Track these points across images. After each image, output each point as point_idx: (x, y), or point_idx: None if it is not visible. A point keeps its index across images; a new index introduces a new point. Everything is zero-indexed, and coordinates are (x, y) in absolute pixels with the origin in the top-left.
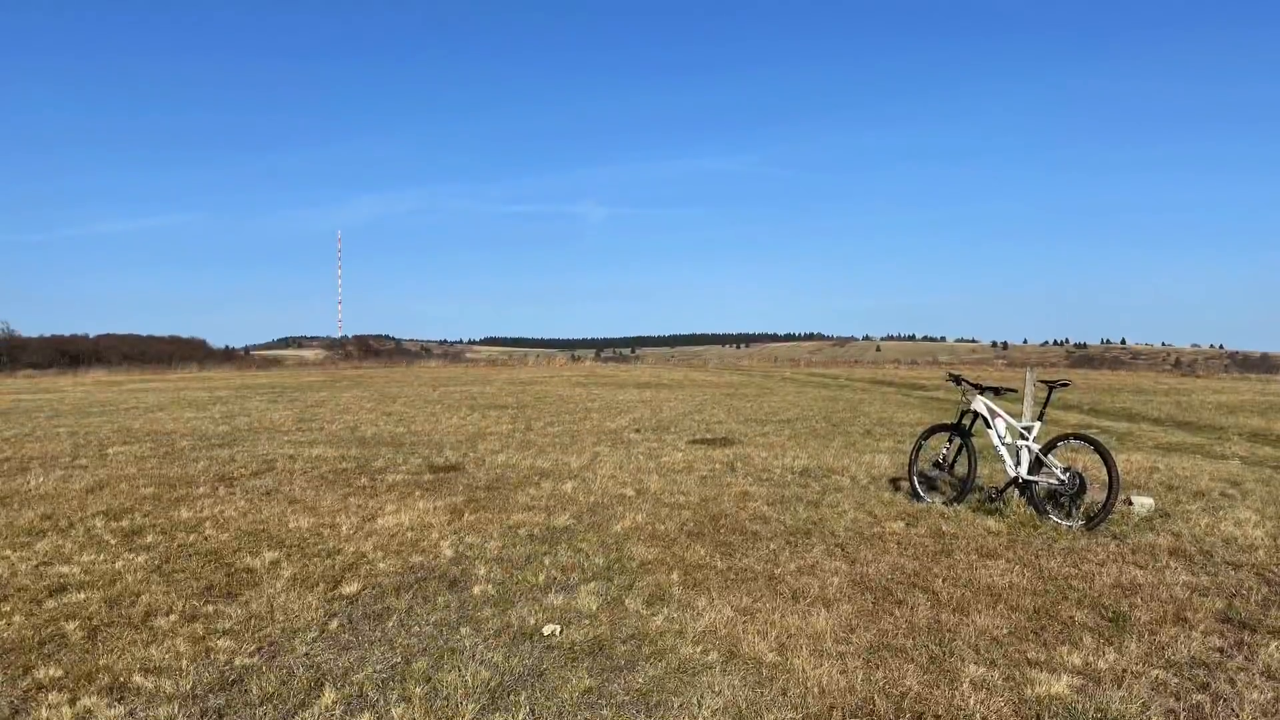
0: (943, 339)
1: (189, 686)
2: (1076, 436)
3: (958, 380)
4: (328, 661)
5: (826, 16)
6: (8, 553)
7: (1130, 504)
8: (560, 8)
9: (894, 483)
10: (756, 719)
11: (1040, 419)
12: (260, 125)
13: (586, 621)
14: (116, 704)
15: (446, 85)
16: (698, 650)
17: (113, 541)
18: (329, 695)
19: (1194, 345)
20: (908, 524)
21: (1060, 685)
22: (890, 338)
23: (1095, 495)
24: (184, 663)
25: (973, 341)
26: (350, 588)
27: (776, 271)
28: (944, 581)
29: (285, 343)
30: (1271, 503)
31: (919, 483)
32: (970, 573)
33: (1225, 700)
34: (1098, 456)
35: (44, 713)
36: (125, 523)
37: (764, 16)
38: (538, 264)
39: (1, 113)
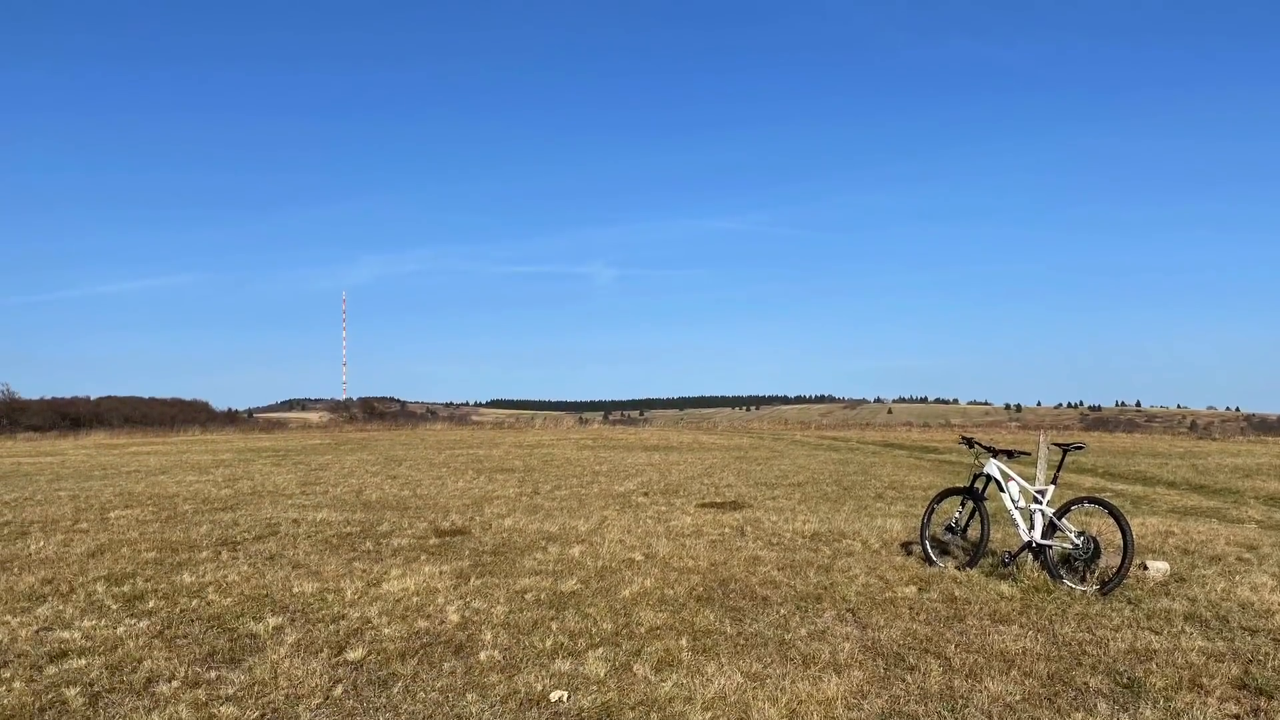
0: (955, 401)
1: None
2: (1091, 500)
3: (970, 443)
4: None
5: (837, 75)
6: (8, 618)
7: (1145, 569)
8: (567, 67)
9: (906, 547)
10: None
11: (1054, 482)
12: (263, 185)
13: (594, 688)
14: None
15: (452, 145)
16: (707, 717)
17: (114, 606)
18: None
19: (1210, 408)
20: (920, 589)
21: None
22: (902, 400)
23: (1110, 560)
24: None
25: (985, 404)
26: (355, 653)
27: (787, 332)
28: (956, 647)
29: (289, 405)
30: None
31: (931, 547)
32: (983, 638)
33: None
34: (1112, 520)
35: None
36: (127, 587)
37: (773, 76)
38: (545, 325)
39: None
